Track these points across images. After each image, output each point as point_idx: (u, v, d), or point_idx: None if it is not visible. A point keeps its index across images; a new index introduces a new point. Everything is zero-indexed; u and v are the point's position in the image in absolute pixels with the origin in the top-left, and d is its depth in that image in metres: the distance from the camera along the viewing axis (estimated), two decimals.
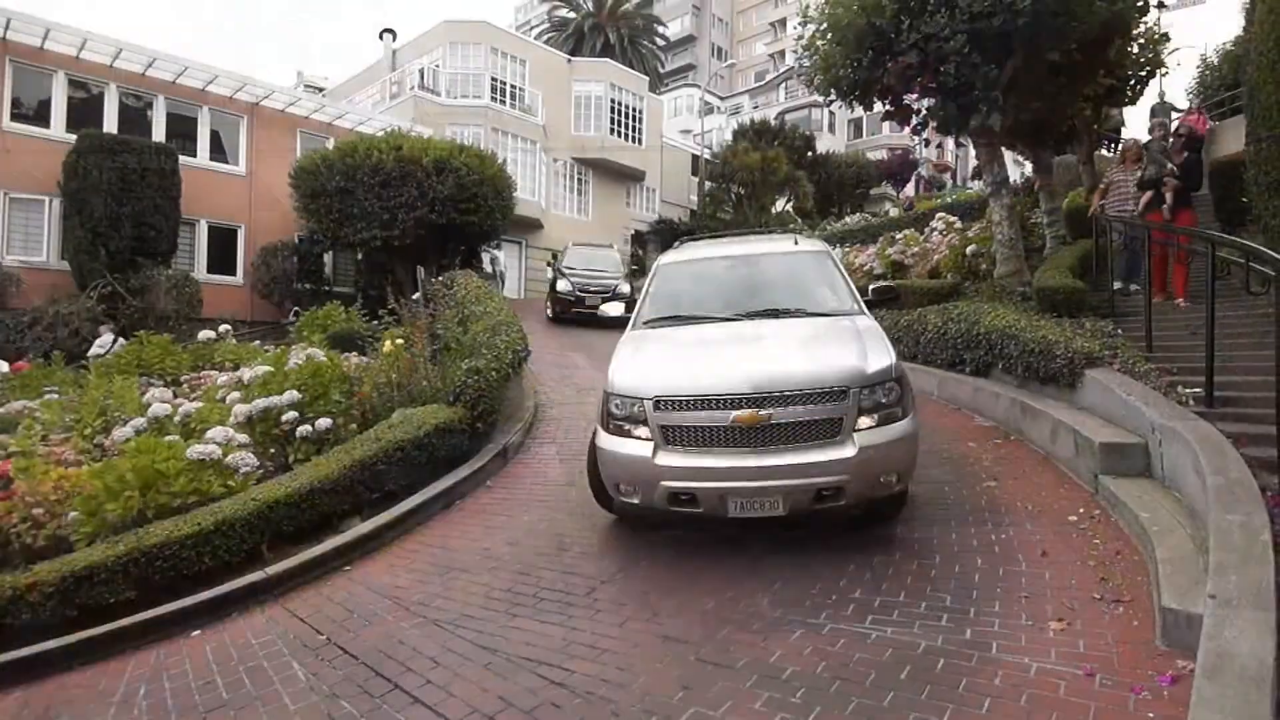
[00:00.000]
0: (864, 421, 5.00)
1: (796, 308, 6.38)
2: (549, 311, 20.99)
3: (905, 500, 5.78)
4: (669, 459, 5.13)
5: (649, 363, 5.71)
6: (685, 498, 5.14)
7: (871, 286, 7.20)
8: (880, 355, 5.33)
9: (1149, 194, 10.37)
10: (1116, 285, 10.48)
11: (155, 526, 5.98)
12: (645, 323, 6.68)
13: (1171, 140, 11.21)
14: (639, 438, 5.30)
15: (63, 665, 5.17)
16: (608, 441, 5.50)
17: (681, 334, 6.21)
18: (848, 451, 4.90)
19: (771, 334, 5.88)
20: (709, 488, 5.04)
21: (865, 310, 6.39)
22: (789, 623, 4.36)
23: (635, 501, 5.43)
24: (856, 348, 5.39)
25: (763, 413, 4.93)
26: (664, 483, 5.12)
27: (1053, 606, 4.25)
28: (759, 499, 4.99)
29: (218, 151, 23.58)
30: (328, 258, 24.88)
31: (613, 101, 37.04)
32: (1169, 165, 10.49)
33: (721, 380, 5.15)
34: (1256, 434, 5.54)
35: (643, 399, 5.29)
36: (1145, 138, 11.97)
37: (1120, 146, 12.11)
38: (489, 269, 27.02)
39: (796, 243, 7.56)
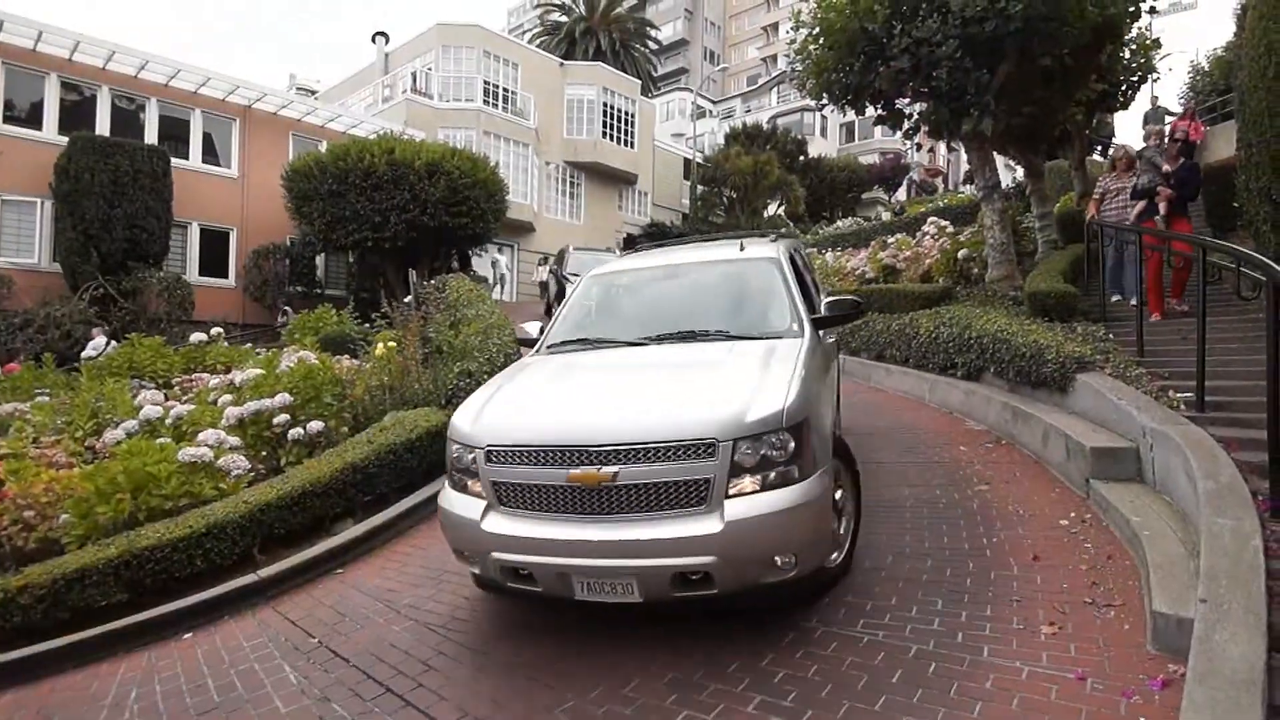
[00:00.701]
0: (746, 483, 3.90)
1: (717, 329, 5.33)
2: None
3: (828, 585, 4.68)
4: (498, 524, 4.19)
5: (502, 401, 4.74)
6: (523, 573, 4.18)
7: (825, 300, 5.82)
8: (772, 397, 4.08)
9: (1142, 203, 10.19)
10: (1115, 298, 10.39)
11: (147, 529, 5.96)
12: (549, 346, 5.84)
13: (1166, 144, 11.09)
14: (474, 494, 4.40)
15: (55, 668, 5.14)
16: (445, 496, 4.61)
17: (569, 362, 5.40)
18: (711, 525, 3.80)
19: (663, 364, 5.00)
20: (544, 563, 4.05)
21: (804, 331, 5.23)
22: (780, 626, 4.36)
23: (477, 571, 4.55)
24: (746, 385, 4.25)
25: (604, 470, 3.91)
26: (494, 554, 4.17)
27: (1044, 610, 4.26)
28: (606, 581, 3.97)
29: (210, 154, 23.63)
30: (320, 260, 24.93)
31: (605, 105, 37.16)
32: (1164, 168, 10.39)
33: (560, 427, 4.22)
34: (1248, 439, 5.55)
35: (475, 447, 4.36)
36: (1139, 145, 11.95)
37: (1111, 156, 12.03)
38: (490, 271, 27.08)
39: (742, 249, 6.40)
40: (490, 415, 4.54)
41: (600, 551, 3.88)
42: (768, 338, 5.15)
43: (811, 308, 5.66)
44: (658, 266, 6.53)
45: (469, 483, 4.43)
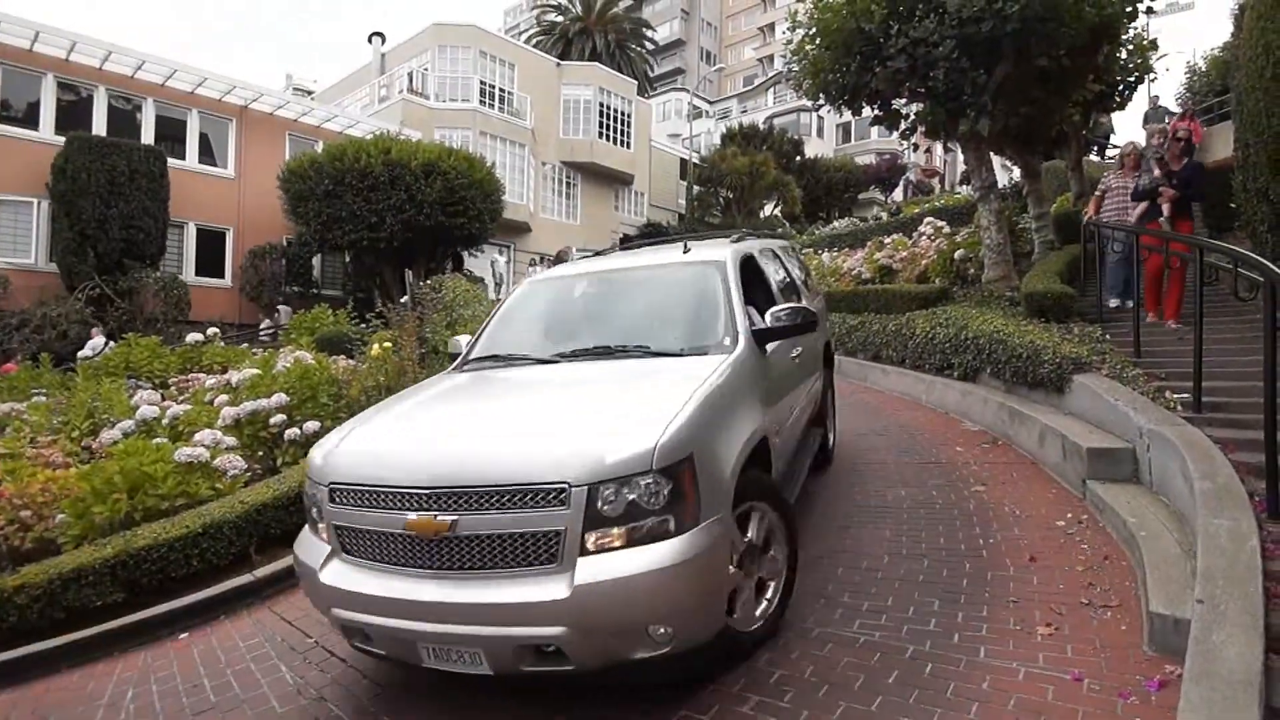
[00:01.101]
0: (611, 537, 3.24)
1: (637, 344, 4.70)
2: None
3: (744, 655, 3.97)
4: (337, 576, 3.63)
5: (365, 430, 4.16)
6: (367, 632, 3.60)
7: (771, 311, 4.97)
8: (645, 431, 3.37)
9: (1144, 205, 9.98)
10: (1114, 303, 10.16)
11: (143, 529, 5.94)
12: (466, 362, 5.33)
13: (1168, 144, 10.95)
14: (320, 538, 3.86)
15: (51, 668, 5.12)
16: (299, 538, 4.09)
17: (466, 383, 4.89)
18: (558, 589, 3.16)
19: (564, 385, 4.46)
20: (382, 625, 3.47)
21: (737, 347, 4.55)
22: None
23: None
24: (628, 415, 3.60)
25: (442, 518, 3.31)
26: (333, 610, 3.65)
27: (1040, 611, 4.26)
28: (451, 649, 3.35)
29: (206, 154, 23.65)
30: (316, 261, 24.92)
31: (601, 105, 37.16)
32: (1155, 171, 10.29)
33: (401, 464, 3.62)
34: (1244, 439, 5.55)
35: (320, 484, 3.80)
36: (1143, 143, 11.84)
37: (1120, 152, 11.87)
38: (490, 271, 27.09)
39: (686, 250, 5.71)
40: (346, 446, 3.97)
41: (439, 615, 3.30)
42: (692, 354, 4.53)
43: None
44: (595, 273, 5.98)
45: (320, 525, 3.87)
